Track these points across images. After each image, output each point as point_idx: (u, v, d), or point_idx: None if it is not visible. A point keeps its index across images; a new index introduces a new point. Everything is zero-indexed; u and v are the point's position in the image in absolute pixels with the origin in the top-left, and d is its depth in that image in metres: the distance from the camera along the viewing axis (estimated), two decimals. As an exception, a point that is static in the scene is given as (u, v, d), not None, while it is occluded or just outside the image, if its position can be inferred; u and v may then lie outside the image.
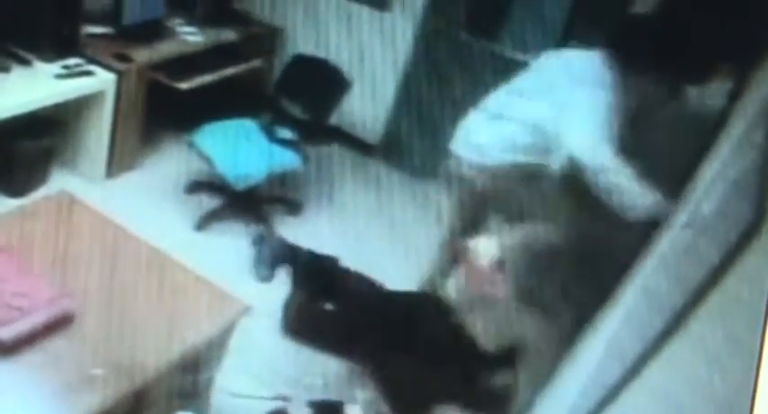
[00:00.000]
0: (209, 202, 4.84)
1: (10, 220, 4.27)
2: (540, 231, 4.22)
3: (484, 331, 4.17)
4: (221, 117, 4.80)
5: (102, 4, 5.10)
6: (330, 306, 4.30)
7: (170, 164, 5.18)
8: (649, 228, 3.66)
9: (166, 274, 4.18)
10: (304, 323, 4.19)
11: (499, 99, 4.15)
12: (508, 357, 3.99)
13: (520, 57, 4.63)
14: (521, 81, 4.17)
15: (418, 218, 5.16)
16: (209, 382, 3.84)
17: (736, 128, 3.49)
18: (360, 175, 5.63)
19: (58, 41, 4.55)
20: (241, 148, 4.63)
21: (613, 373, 3.22)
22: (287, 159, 4.69)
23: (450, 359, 3.96)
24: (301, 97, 4.96)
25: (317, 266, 4.49)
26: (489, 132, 4.15)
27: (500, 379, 3.92)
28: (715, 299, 3.32)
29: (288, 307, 4.17)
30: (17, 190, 4.52)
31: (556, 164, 3.94)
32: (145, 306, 3.91)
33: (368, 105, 5.74)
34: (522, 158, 4.07)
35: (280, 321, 4.15)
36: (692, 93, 3.96)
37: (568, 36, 4.41)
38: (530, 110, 4.01)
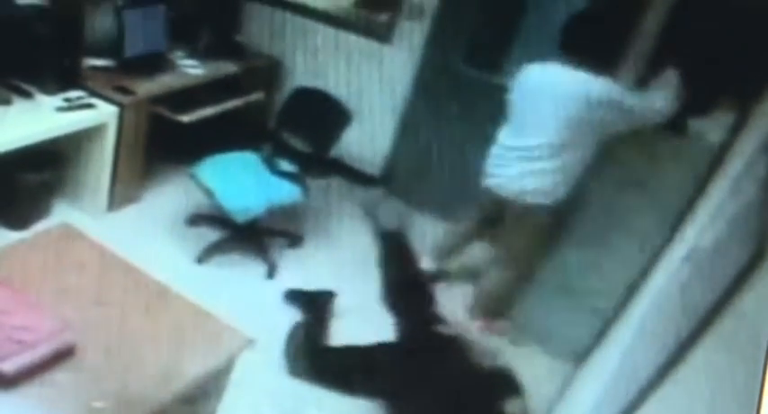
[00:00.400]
0: (210, 234, 4.84)
1: (12, 253, 4.25)
2: None
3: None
4: (223, 150, 4.81)
5: (103, 36, 5.13)
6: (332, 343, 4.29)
7: (171, 196, 5.20)
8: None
9: (168, 306, 4.16)
10: (308, 361, 4.17)
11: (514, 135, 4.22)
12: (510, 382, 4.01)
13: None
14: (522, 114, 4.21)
15: (419, 250, 5.16)
16: (210, 416, 3.83)
17: (737, 161, 3.50)
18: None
19: (59, 74, 4.56)
20: (242, 181, 4.63)
21: (612, 410, 3.21)
22: (288, 192, 4.68)
23: (464, 395, 3.97)
24: (302, 130, 4.97)
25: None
26: (516, 165, 4.21)
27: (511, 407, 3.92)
28: (714, 334, 3.32)
29: (291, 344, 4.15)
30: (19, 222, 4.52)
31: None
32: (146, 338, 3.88)
33: (369, 137, 5.75)
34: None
35: (282, 356, 4.13)
36: (694, 125, 3.98)
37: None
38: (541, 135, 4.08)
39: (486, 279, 4.73)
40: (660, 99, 3.86)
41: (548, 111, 4.03)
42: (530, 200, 4.20)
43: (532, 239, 4.39)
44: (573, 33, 4.13)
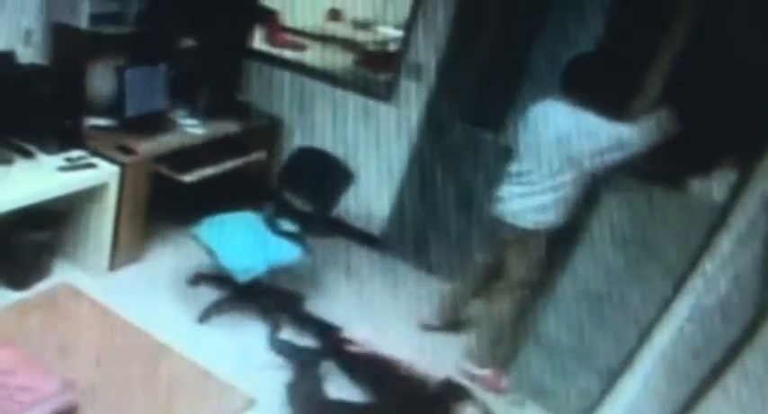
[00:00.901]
0: (212, 293, 4.82)
1: (13, 313, 4.24)
2: None
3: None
4: (224, 209, 4.80)
5: (104, 96, 5.15)
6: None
7: (173, 256, 5.19)
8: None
9: (170, 366, 4.14)
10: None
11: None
12: None
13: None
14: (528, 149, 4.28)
15: (423, 310, 5.15)
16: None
17: (740, 220, 3.50)
18: (364, 267, 5.63)
19: (61, 134, 4.56)
20: (243, 241, 4.61)
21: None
22: (289, 252, 4.66)
23: None
24: (304, 190, 4.96)
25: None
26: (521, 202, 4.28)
27: None
28: (720, 392, 3.30)
29: (293, 399, 4.11)
30: (20, 282, 4.49)
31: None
32: (147, 398, 3.86)
33: (370, 197, 5.77)
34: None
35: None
36: (696, 184, 3.99)
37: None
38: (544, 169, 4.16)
39: (484, 320, 4.74)
40: (649, 130, 3.92)
41: (553, 150, 4.11)
42: (531, 225, 4.27)
43: (533, 261, 4.43)
44: (575, 74, 4.20)
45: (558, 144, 4.09)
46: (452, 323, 5.07)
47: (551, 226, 4.28)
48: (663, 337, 3.78)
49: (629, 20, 4.61)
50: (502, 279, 4.60)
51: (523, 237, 4.37)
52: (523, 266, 4.46)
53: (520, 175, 4.33)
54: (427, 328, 5.06)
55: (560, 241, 4.34)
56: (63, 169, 4.39)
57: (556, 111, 4.18)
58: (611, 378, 4.13)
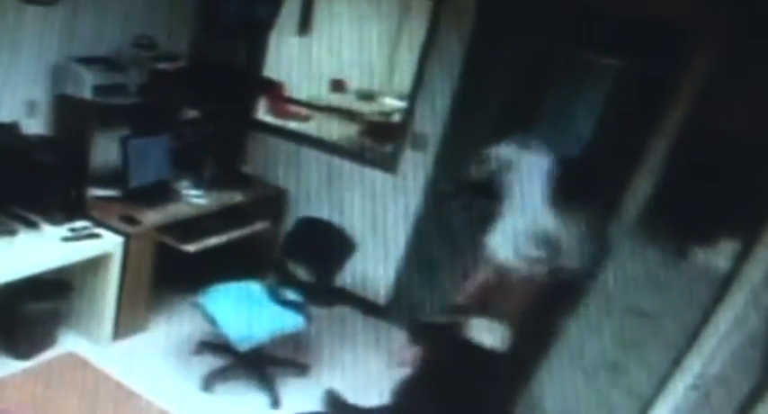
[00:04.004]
0: (215, 362, 4.80)
1: (17, 382, 4.22)
2: None
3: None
4: (227, 278, 4.81)
5: (108, 166, 5.18)
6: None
7: (177, 325, 5.18)
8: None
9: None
10: None
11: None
12: None
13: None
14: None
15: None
16: None
17: (742, 291, 3.50)
18: (369, 336, 5.61)
19: (65, 204, 4.59)
20: (245, 310, 4.61)
21: None
22: (291, 321, 4.66)
23: None
24: (306, 259, 4.97)
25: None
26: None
27: None
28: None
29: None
30: (24, 352, 4.48)
31: None
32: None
33: (374, 266, 5.76)
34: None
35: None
36: (700, 254, 3.99)
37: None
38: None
39: None
40: None
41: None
42: (525, 266, 4.24)
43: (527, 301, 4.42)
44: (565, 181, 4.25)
45: None
46: None
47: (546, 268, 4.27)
48: (664, 409, 3.76)
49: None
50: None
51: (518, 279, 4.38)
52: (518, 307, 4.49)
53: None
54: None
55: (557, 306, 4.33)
56: (67, 239, 4.41)
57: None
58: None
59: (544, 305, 4.31)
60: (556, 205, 4.08)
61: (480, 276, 4.44)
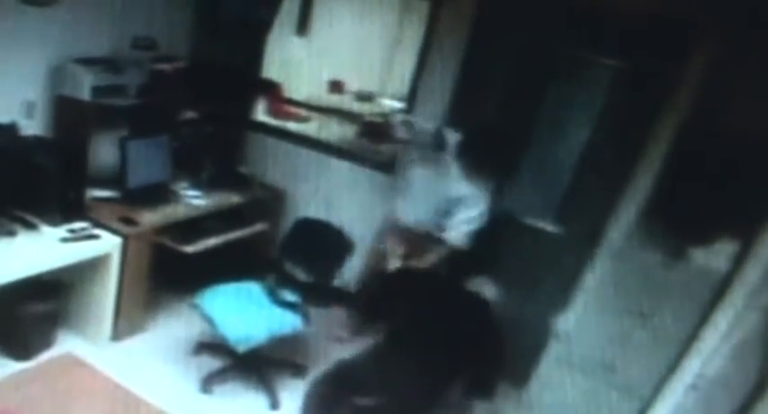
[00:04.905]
0: (213, 363, 4.81)
1: (16, 383, 4.22)
2: None
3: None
4: (226, 279, 4.81)
5: (107, 167, 5.18)
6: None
7: (175, 326, 5.19)
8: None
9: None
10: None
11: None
12: None
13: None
14: None
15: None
16: None
17: (740, 291, 3.51)
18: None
19: (63, 205, 4.59)
20: (243, 311, 4.61)
21: None
22: (289, 322, 4.65)
23: None
24: (305, 260, 4.97)
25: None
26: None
27: None
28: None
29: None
30: (23, 353, 4.49)
31: None
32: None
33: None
34: None
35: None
36: (697, 254, 3.99)
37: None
38: None
39: None
40: None
41: None
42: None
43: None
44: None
45: None
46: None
47: None
48: (662, 409, 3.76)
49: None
50: None
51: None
52: None
53: None
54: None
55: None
56: (66, 240, 4.41)
57: None
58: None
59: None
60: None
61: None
